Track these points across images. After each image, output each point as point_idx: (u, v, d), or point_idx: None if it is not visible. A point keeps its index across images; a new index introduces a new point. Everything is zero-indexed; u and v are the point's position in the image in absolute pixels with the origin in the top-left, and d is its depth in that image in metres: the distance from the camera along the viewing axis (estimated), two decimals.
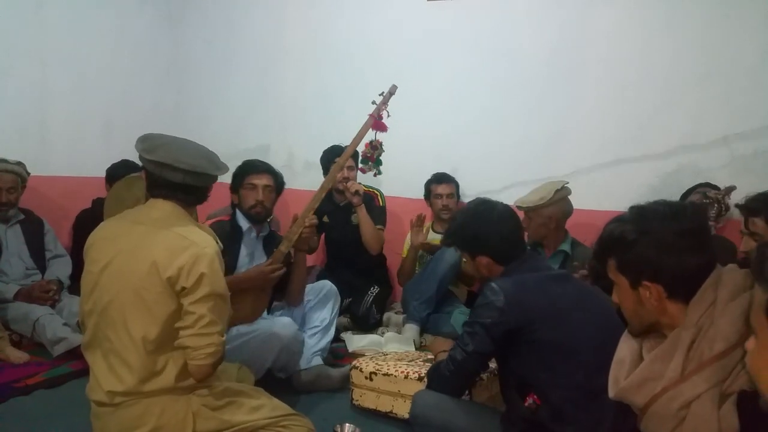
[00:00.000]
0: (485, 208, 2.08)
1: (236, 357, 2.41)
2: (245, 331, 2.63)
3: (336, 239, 3.96)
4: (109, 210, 2.33)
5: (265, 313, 2.86)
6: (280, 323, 2.73)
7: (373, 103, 2.97)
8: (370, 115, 2.96)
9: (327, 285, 3.12)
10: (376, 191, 4.04)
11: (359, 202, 3.74)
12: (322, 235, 4.02)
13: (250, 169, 2.88)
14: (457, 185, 3.97)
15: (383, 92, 2.97)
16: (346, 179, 3.73)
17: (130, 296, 1.73)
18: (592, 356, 1.40)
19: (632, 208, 1.38)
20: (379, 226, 3.85)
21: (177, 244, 1.75)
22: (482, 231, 2.02)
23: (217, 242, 1.86)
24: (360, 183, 3.81)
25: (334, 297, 3.09)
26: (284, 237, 2.73)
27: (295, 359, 2.80)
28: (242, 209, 2.87)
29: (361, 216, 3.76)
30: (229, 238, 2.73)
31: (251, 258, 2.88)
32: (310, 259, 3.82)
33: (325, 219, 3.87)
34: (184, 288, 1.71)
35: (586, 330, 1.73)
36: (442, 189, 3.92)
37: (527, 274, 1.93)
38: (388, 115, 2.98)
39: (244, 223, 2.86)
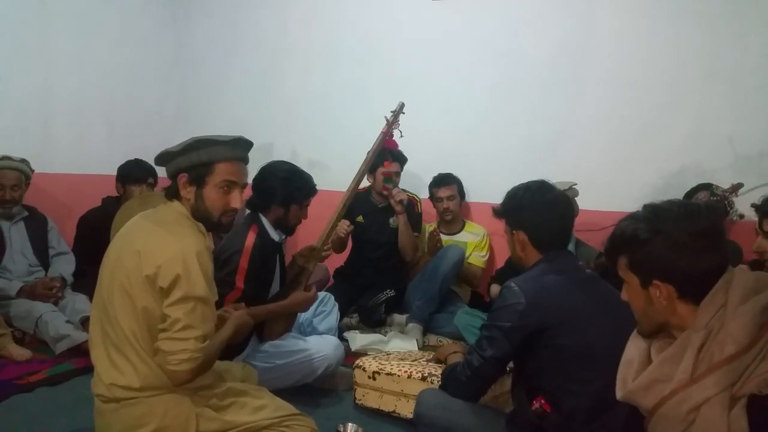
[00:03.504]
0: (543, 186, 1.98)
1: (287, 373, 2.61)
2: (299, 348, 2.67)
3: (369, 240, 3.92)
4: (119, 224, 2.31)
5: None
6: (331, 344, 2.78)
7: (385, 118, 2.99)
8: (383, 132, 2.99)
9: (328, 296, 3.20)
10: (416, 198, 4.05)
11: (402, 210, 3.76)
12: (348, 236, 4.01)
13: (313, 191, 2.78)
14: (459, 185, 3.95)
15: (394, 110, 3.00)
16: (392, 190, 3.76)
17: (119, 291, 1.73)
18: (611, 365, 1.36)
19: (646, 206, 1.37)
20: (415, 233, 3.88)
21: (159, 242, 1.73)
22: (527, 204, 1.93)
23: (208, 244, 1.82)
24: (403, 190, 3.83)
25: (336, 307, 3.19)
26: (307, 255, 2.76)
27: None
28: (287, 222, 2.73)
29: (402, 224, 3.79)
30: (270, 253, 2.69)
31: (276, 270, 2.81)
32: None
33: (360, 219, 3.87)
34: (162, 288, 1.69)
35: (607, 338, 1.64)
36: (442, 192, 3.91)
37: (551, 275, 1.85)
38: (401, 135, 3.01)
39: (275, 235, 2.71)
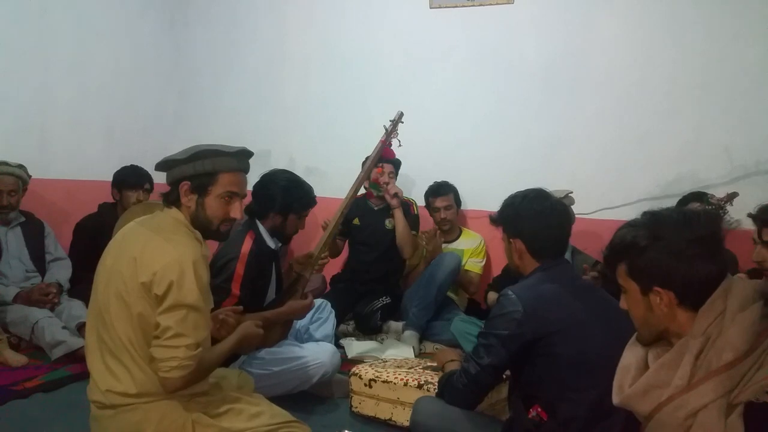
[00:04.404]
0: (540, 194, 1.98)
1: (283, 380, 2.61)
2: (295, 356, 2.67)
3: (365, 242, 3.93)
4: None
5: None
6: (328, 352, 2.77)
7: (384, 127, 3.00)
8: (381, 141, 3.01)
9: (325, 304, 3.18)
10: (411, 200, 4.06)
11: (398, 204, 3.75)
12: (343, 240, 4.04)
13: (313, 202, 2.79)
14: (456, 194, 3.95)
15: (393, 119, 3.01)
16: (387, 183, 3.76)
17: (115, 298, 1.73)
18: (608, 374, 1.36)
19: (644, 213, 1.37)
20: (413, 232, 3.86)
21: (156, 249, 1.74)
22: (524, 213, 1.93)
23: (203, 252, 1.82)
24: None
25: (332, 314, 3.17)
26: (304, 263, 2.74)
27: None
28: (284, 231, 2.73)
29: (398, 218, 3.77)
30: (266, 260, 2.69)
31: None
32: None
33: (356, 222, 3.89)
34: (157, 295, 1.70)
35: (604, 346, 1.63)
36: (439, 202, 3.89)
37: (549, 283, 1.86)
38: (399, 144, 3.02)
39: (271, 242, 2.71)
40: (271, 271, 2.72)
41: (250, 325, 2.04)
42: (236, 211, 1.91)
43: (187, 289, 1.70)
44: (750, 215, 2.26)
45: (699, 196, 3.31)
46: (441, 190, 3.90)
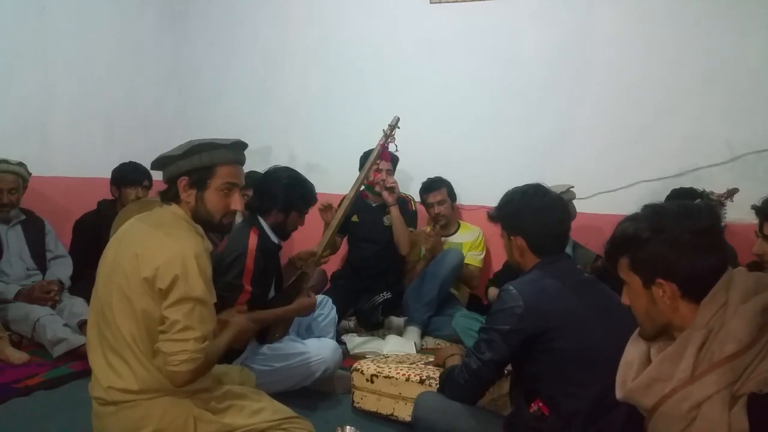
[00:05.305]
0: (537, 190, 1.97)
1: (285, 376, 2.61)
2: (297, 351, 2.68)
3: (363, 238, 3.93)
4: (119, 227, 2.32)
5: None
6: (330, 348, 2.77)
7: (383, 131, 3.04)
8: (381, 145, 3.08)
9: (326, 299, 3.18)
10: (409, 197, 4.06)
11: (393, 201, 3.75)
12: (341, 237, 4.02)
13: (314, 200, 2.81)
14: (449, 188, 3.94)
15: (390, 123, 3.06)
16: (383, 180, 3.75)
17: (117, 294, 1.73)
18: (609, 368, 1.36)
19: (645, 207, 1.37)
20: (410, 229, 3.87)
21: (158, 244, 1.74)
22: (524, 210, 1.91)
23: (205, 246, 1.82)
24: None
25: (334, 310, 3.18)
26: (306, 259, 2.75)
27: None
28: (285, 228, 2.74)
29: (395, 215, 3.77)
30: (272, 255, 2.69)
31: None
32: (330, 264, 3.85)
33: (355, 219, 3.88)
34: (161, 290, 1.70)
35: (606, 340, 1.63)
36: (432, 197, 3.89)
37: (550, 278, 1.84)
38: (396, 149, 3.08)
39: (274, 239, 2.72)
40: (274, 267, 2.73)
41: (243, 320, 2.08)
42: (236, 202, 1.91)
43: (193, 282, 1.71)
44: (753, 207, 2.26)
45: (693, 193, 3.30)
46: (433, 186, 3.91)
